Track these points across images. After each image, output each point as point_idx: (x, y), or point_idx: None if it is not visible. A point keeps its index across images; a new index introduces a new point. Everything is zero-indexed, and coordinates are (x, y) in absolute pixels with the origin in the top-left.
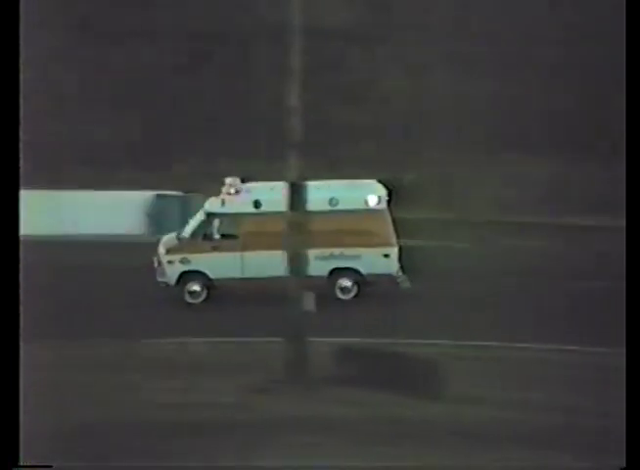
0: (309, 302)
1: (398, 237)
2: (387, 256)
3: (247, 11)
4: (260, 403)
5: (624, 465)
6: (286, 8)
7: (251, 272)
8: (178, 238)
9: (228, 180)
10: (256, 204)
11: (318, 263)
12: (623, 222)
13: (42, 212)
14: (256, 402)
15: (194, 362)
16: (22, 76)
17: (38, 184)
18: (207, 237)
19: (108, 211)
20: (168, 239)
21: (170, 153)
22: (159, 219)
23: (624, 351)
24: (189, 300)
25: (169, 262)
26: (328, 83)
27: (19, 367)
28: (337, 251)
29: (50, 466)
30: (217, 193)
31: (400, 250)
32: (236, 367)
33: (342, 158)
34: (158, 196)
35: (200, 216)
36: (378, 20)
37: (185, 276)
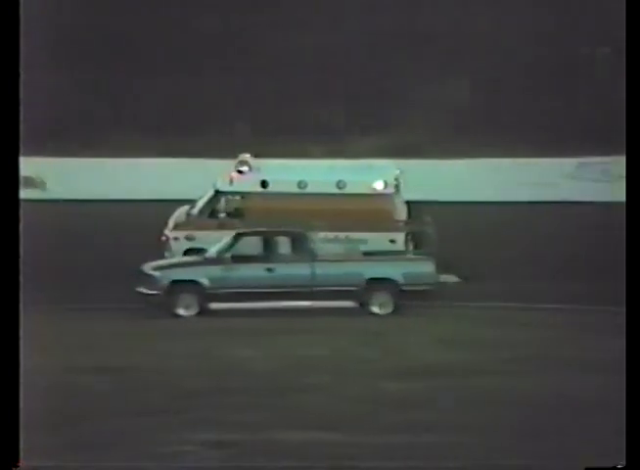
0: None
1: (408, 221)
2: (392, 241)
3: None
4: None
5: (624, 465)
6: None
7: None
8: (188, 214)
9: (240, 157)
10: (264, 183)
11: (323, 247)
12: None
13: None
14: None
15: None
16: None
17: None
18: (214, 215)
19: None
20: (179, 214)
21: None
22: None
23: None
24: None
25: (175, 239)
26: None
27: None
28: (342, 235)
29: (49, 466)
30: None
31: (407, 235)
32: None
33: None
34: None
35: (209, 194)
36: None
37: (189, 253)
